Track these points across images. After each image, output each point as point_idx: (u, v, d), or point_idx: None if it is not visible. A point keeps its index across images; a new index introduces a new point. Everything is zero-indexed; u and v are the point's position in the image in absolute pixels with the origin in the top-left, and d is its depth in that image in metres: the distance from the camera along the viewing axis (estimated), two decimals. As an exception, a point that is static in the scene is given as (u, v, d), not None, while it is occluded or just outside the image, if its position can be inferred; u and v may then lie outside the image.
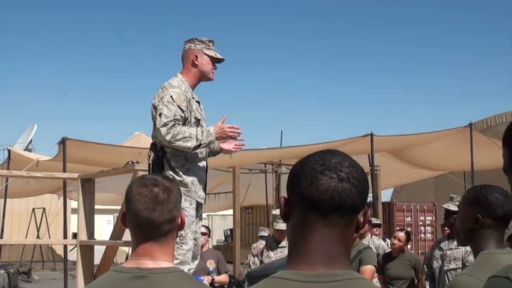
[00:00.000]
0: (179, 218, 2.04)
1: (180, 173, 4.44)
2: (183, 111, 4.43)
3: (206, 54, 4.65)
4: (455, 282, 2.24)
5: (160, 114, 4.36)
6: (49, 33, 43.84)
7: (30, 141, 18.06)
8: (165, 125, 4.32)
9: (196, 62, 4.63)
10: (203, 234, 6.66)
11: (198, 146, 4.39)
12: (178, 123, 4.38)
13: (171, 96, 4.41)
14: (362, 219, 1.50)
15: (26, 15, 43.11)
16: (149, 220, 1.95)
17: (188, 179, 4.45)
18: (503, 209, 2.39)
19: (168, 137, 4.31)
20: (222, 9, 46.16)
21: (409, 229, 10.79)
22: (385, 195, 20.41)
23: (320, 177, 1.44)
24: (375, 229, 10.20)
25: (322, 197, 1.43)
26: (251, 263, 7.58)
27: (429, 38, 41.14)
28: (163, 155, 4.46)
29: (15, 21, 42.42)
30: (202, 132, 4.40)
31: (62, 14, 43.55)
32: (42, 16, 43.13)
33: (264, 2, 44.29)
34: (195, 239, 4.64)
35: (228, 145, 4.73)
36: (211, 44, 4.70)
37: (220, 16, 46.08)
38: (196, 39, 4.69)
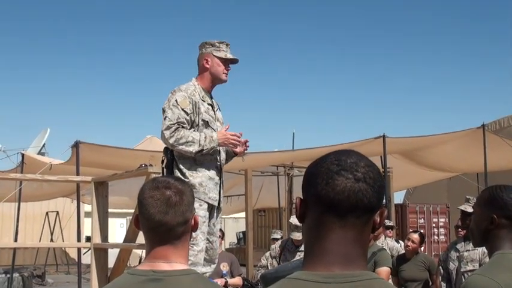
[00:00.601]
0: (192, 220, 2.04)
1: (187, 174, 4.47)
2: (187, 113, 4.47)
3: (216, 56, 4.68)
4: (469, 282, 2.22)
5: (165, 118, 4.45)
6: (60, 38, 44.07)
7: (43, 145, 18.13)
8: (168, 128, 4.41)
9: (206, 66, 4.68)
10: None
11: (200, 151, 4.44)
12: (183, 127, 4.43)
13: (176, 100, 4.48)
14: (378, 220, 1.49)
15: (37, 20, 43.36)
16: (162, 223, 1.95)
17: (195, 180, 4.47)
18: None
19: (171, 141, 4.39)
20: (236, 12, 46.21)
21: (422, 231, 10.73)
22: (398, 197, 20.37)
23: (336, 177, 1.43)
24: (388, 231, 10.17)
25: (338, 197, 1.42)
26: (269, 265, 7.57)
27: (441, 39, 41.01)
28: (173, 158, 4.51)
29: (27, 26, 42.65)
30: (205, 137, 4.45)
31: (73, 19, 43.79)
32: (54, 21, 43.35)
33: (276, 4, 44.31)
34: (211, 242, 4.64)
35: (239, 148, 4.77)
36: (221, 46, 4.72)
37: (234, 19, 46.15)
38: (206, 42, 4.74)
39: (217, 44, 4.71)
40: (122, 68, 47.63)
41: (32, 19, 43.38)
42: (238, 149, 4.75)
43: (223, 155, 4.77)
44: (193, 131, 4.49)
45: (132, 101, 49.58)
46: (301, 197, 1.52)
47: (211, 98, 4.77)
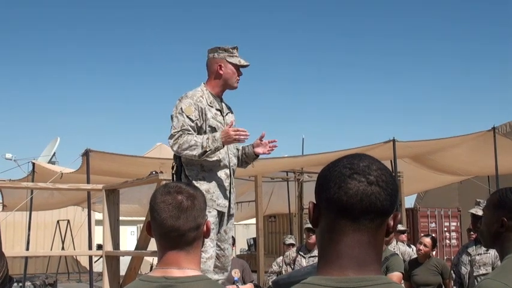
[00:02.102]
0: (205, 226, 2.03)
1: (193, 181, 4.44)
2: (192, 120, 4.47)
3: (230, 63, 4.64)
4: (481, 287, 2.20)
5: (171, 126, 4.47)
6: (71, 46, 44.27)
7: (54, 154, 18.19)
8: (171, 136, 4.44)
9: (220, 72, 4.64)
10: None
11: (204, 153, 4.40)
12: (188, 133, 4.42)
13: (181, 108, 4.49)
14: (392, 223, 1.48)
15: (46, 29, 43.56)
16: (174, 228, 1.94)
17: (203, 187, 4.41)
18: None
19: (175, 148, 4.41)
20: (243, 18, 46.29)
21: (433, 235, 10.68)
22: (409, 202, 20.26)
23: (349, 181, 1.43)
24: (403, 235, 10.12)
25: (351, 201, 1.42)
26: (283, 271, 7.56)
27: (451, 42, 40.90)
28: (181, 165, 4.51)
29: (35, 35, 42.87)
30: (207, 139, 4.41)
31: (83, 27, 43.94)
32: (63, 29, 43.53)
33: (287, 10, 44.35)
34: (222, 249, 4.61)
35: (262, 149, 4.73)
36: (234, 51, 4.68)
37: (242, 25, 46.19)
38: (219, 48, 4.68)
39: (231, 50, 4.67)
40: (132, 75, 47.80)
41: (41, 28, 43.60)
42: (261, 150, 4.71)
43: (234, 160, 4.73)
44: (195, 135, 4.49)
45: (142, 109, 49.71)
46: (314, 202, 1.52)
47: (220, 102, 4.73)
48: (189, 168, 4.49)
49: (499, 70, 40.46)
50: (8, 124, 43.49)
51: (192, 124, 4.46)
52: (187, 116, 4.45)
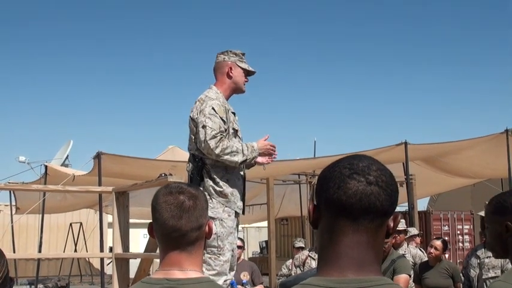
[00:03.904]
0: (207, 227, 2.03)
1: (220, 183, 4.45)
2: (225, 122, 4.45)
3: (240, 67, 4.68)
4: None
5: (204, 127, 4.37)
6: (84, 50, 44.46)
7: (67, 157, 18.27)
8: (213, 137, 4.34)
9: (231, 74, 4.66)
10: (238, 247, 6.65)
11: (244, 161, 4.46)
12: (225, 136, 4.41)
13: (213, 108, 4.43)
14: (392, 225, 1.48)
15: (58, 28, 43.75)
16: (176, 228, 1.94)
17: (228, 190, 4.46)
18: None
19: (217, 151, 4.33)
20: (252, 20, 46.30)
21: (446, 238, 10.61)
22: (421, 205, 20.16)
23: (348, 181, 1.43)
24: (417, 238, 10.06)
25: (350, 200, 1.41)
26: (293, 274, 7.56)
27: (462, 44, 40.71)
28: (203, 166, 4.48)
29: (46, 38, 43.08)
30: (247, 147, 4.46)
31: (94, 26, 44.09)
32: (75, 27, 43.72)
33: (294, 11, 44.30)
34: (232, 250, 4.63)
35: (262, 158, 4.77)
36: (243, 57, 4.74)
37: (251, 26, 46.19)
38: (230, 51, 4.72)
39: (241, 55, 4.72)
40: (145, 78, 47.94)
41: (53, 33, 43.86)
42: (261, 159, 4.75)
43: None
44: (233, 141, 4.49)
45: (155, 111, 49.83)
46: (315, 203, 1.51)
47: None
48: (214, 170, 4.46)
49: (511, 72, 40.21)
50: (21, 127, 43.76)
51: (226, 126, 4.46)
52: (221, 118, 4.43)
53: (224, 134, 4.41)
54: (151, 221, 2.03)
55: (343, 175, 1.44)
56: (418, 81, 42.46)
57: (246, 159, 4.44)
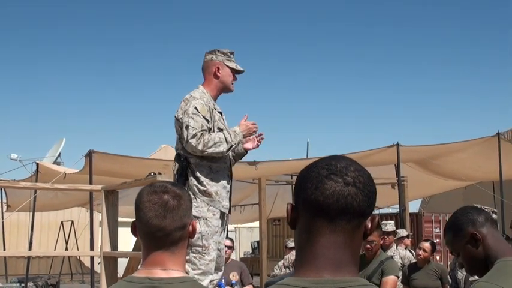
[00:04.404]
0: (190, 226, 2.03)
1: (204, 182, 4.45)
2: (208, 121, 4.46)
3: (227, 66, 4.68)
4: None
5: (187, 127, 4.39)
6: (75, 46, 44.31)
7: (59, 155, 18.24)
8: (194, 136, 4.35)
9: (218, 74, 4.66)
10: (228, 247, 6.65)
11: (230, 148, 4.46)
12: (207, 133, 4.41)
13: (196, 108, 4.44)
14: (370, 225, 1.48)
15: (50, 26, 43.63)
16: (160, 227, 1.93)
17: (212, 189, 4.46)
18: (481, 216, 2.44)
19: (200, 147, 4.34)
20: (244, 17, 46.23)
21: (437, 240, 10.66)
22: (414, 207, 20.20)
23: (326, 181, 1.43)
24: (407, 240, 10.09)
25: (327, 201, 1.41)
26: (282, 274, 7.55)
27: (455, 47, 40.79)
28: (188, 165, 4.48)
29: (41, 33, 42.91)
30: (229, 134, 4.47)
31: (86, 27, 43.95)
32: (69, 28, 43.57)
33: (286, 10, 44.31)
34: (218, 249, 4.62)
35: (251, 143, 4.78)
36: (232, 56, 4.73)
37: (242, 25, 46.13)
38: (218, 50, 4.72)
39: (229, 54, 4.72)
40: (139, 78, 47.84)
41: (44, 28, 43.69)
42: (251, 144, 4.76)
43: (232, 160, 4.78)
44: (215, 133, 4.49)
45: (148, 111, 49.74)
46: (293, 203, 1.51)
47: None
48: (199, 170, 4.47)
49: (505, 76, 40.32)
50: (13, 125, 43.62)
51: (209, 125, 4.47)
52: (204, 117, 4.44)
53: (206, 132, 4.41)
54: (134, 219, 2.03)
55: (321, 175, 1.44)
56: (411, 83, 42.61)
57: (232, 146, 4.45)
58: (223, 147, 4.39)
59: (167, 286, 1.90)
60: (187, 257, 4.38)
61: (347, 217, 1.42)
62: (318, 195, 1.42)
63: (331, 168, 1.44)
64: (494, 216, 5.89)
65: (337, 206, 1.41)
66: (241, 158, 4.91)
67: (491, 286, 2.15)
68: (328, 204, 1.41)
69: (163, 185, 2.03)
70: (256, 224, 18.63)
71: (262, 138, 4.81)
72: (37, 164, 13.50)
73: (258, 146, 4.81)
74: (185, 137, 4.39)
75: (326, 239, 1.42)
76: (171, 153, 14.65)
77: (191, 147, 4.36)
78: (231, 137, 4.44)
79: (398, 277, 5.85)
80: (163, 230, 1.94)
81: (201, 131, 4.37)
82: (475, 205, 2.63)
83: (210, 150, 4.36)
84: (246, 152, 4.81)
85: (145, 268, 1.96)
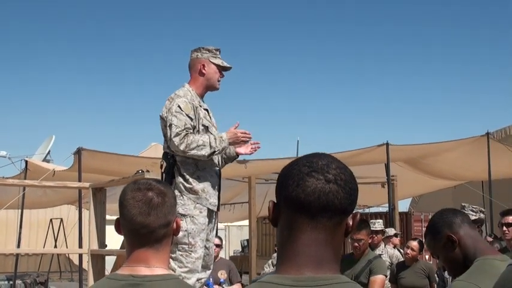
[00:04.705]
0: (174, 223, 2.02)
1: (190, 180, 4.44)
2: (192, 119, 4.44)
3: (213, 63, 4.67)
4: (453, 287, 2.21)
5: (170, 126, 4.39)
6: (64, 42, 44.12)
7: (49, 153, 18.16)
8: (177, 135, 4.34)
9: (203, 71, 4.65)
10: (216, 245, 6.63)
11: (213, 153, 4.42)
12: (191, 133, 4.40)
13: (179, 106, 4.43)
14: (351, 223, 1.48)
15: (40, 24, 43.40)
16: (144, 225, 1.93)
17: (198, 186, 4.45)
18: (458, 217, 2.48)
19: (182, 147, 4.32)
20: (235, 16, 46.20)
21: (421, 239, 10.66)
22: (403, 206, 20.28)
23: (307, 178, 1.43)
24: (396, 238, 10.11)
25: (309, 198, 1.41)
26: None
27: (445, 46, 40.90)
28: (174, 163, 4.48)
29: (30, 30, 42.73)
30: (215, 139, 4.43)
31: (76, 24, 43.74)
32: (58, 24, 43.37)
33: (275, 7, 44.26)
34: (207, 247, 4.61)
35: (244, 149, 4.76)
36: (217, 53, 4.71)
37: (231, 22, 46.10)
38: (203, 48, 4.71)
39: (214, 51, 4.70)
40: (130, 76, 47.72)
41: (34, 21, 43.50)
42: (243, 150, 4.75)
43: (222, 163, 4.77)
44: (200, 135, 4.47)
45: (138, 109, 49.60)
46: (274, 201, 1.51)
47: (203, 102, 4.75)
48: (184, 167, 4.46)
49: (495, 76, 40.48)
50: (2, 122, 43.39)
51: (192, 123, 4.45)
52: (187, 115, 4.43)
53: (190, 131, 4.41)
54: (118, 217, 2.03)
55: (302, 173, 1.44)
56: (402, 83, 42.68)
57: (215, 151, 4.42)
58: (205, 151, 4.36)
59: (151, 283, 1.89)
60: (174, 255, 4.37)
61: (328, 214, 1.42)
62: (299, 193, 1.42)
63: (312, 166, 1.45)
64: (482, 215, 5.94)
65: (319, 203, 1.41)
66: (231, 161, 4.89)
67: (468, 285, 2.17)
68: (310, 201, 1.41)
69: (147, 182, 2.03)
70: (246, 222, 18.62)
71: (258, 147, 4.79)
72: (26, 162, 13.43)
73: (251, 153, 4.80)
74: (168, 135, 4.39)
75: (307, 236, 1.43)
76: (160, 151, 14.49)
77: (173, 146, 4.36)
78: (215, 143, 4.41)
79: (386, 276, 5.87)
80: (147, 227, 1.93)
81: (185, 129, 4.36)
82: (452, 208, 2.70)
83: (192, 152, 4.34)
84: (238, 155, 4.80)
85: (129, 265, 1.96)
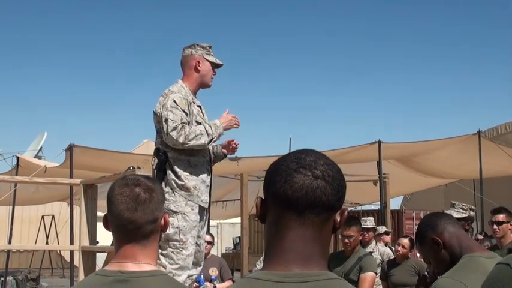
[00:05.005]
0: (162, 220, 2.02)
1: (182, 177, 4.44)
2: (187, 114, 4.45)
3: (207, 60, 4.67)
4: (438, 285, 2.22)
5: (166, 120, 4.38)
6: (57, 38, 43.98)
7: (40, 149, 18.10)
8: (174, 128, 4.34)
9: (199, 68, 4.65)
10: (208, 243, 6.63)
11: (211, 141, 4.45)
12: (186, 124, 4.40)
13: (174, 101, 4.43)
14: (339, 219, 1.48)
15: (30, 19, 43.25)
16: (131, 220, 1.93)
17: (190, 183, 4.45)
18: (441, 219, 2.53)
19: (181, 139, 4.32)
20: (225, 12, 46.10)
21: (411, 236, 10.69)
22: (395, 203, 20.33)
23: (295, 175, 1.43)
24: (387, 236, 10.14)
25: (296, 194, 1.41)
26: None
27: (436, 45, 40.98)
28: (166, 160, 4.47)
29: (22, 26, 42.56)
30: (210, 126, 4.46)
31: (69, 18, 43.59)
32: (49, 20, 43.21)
33: (272, 7, 44.27)
34: (198, 244, 4.61)
35: (226, 150, 4.80)
36: (211, 50, 4.72)
37: (223, 18, 46.04)
38: (197, 44, 4.71)
39: (208, 48, 4.70)
40: (123, 72, 47.64)
41: (26, 16, 43.30)
42: (226, 151, 4.78)
43: (211, 156, 4.77)
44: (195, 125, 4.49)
45: (131, 106, 49.48)
46: (262, 197, 1.51)
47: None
48: (177, 164, 4.46)
49: (487, 74, 40.58)
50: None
51: (188, 118, 4.45)
52: (182, 110, 4.43)
53: (186, 124, 4.41)
54: (106, 213, 2.02)
55: (290, 169, 1.44)
56: (394, 80, 42.71)
57: (213, 138, 4.45)
58: (204, 140, 4.38)
59: (138, 279, 1.89)
60: (165, 252, 4.37)
61: (316, 211, 1.42)
62: (286, 189, 1.42)
63: (300, 162, 1.44)
64: (471, 213, 5.95)
65: (306, 200, 1.41)
66: (220, 161, 4.90)
67: (452, 282, 2.19)
68: (297, 197, 1.41)
69: (135, 178, 2.03)
70: (238, 219, 18.64)
71: (236, 144, 4.82)
72: (17, 158, 13.39)
73: (232, 152, 4.86)
74: (165, 130, 4.37)
75: (295, 233, 1.42)
76: (153, 148, 14.53)
77: (172, 140, 4.34)
78: (211, 130, 4.44)
79: (376, 273, 5.88)
80: (134, 223, 1.93)
81: (181, 123, 4.36)
82: (437, 211, 2.76)
83: (192, 143, 4.34)
84: (225, 155, 4.83)
85: (116, 261, 1.95)
